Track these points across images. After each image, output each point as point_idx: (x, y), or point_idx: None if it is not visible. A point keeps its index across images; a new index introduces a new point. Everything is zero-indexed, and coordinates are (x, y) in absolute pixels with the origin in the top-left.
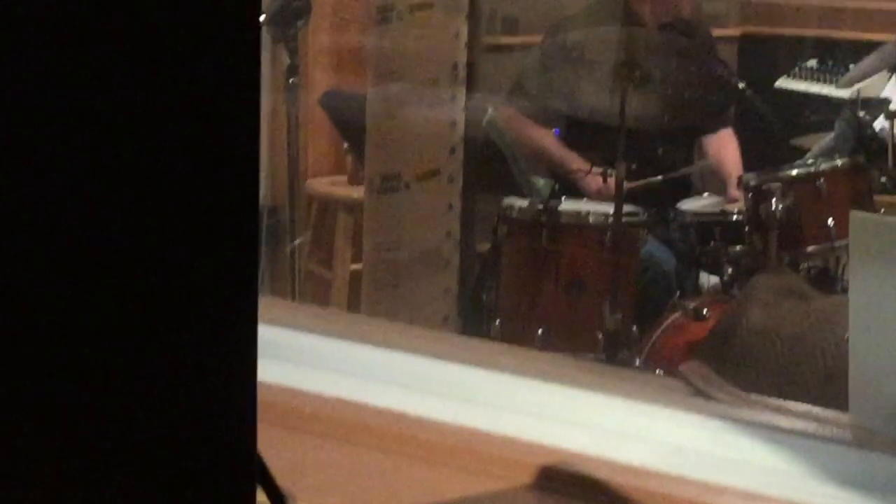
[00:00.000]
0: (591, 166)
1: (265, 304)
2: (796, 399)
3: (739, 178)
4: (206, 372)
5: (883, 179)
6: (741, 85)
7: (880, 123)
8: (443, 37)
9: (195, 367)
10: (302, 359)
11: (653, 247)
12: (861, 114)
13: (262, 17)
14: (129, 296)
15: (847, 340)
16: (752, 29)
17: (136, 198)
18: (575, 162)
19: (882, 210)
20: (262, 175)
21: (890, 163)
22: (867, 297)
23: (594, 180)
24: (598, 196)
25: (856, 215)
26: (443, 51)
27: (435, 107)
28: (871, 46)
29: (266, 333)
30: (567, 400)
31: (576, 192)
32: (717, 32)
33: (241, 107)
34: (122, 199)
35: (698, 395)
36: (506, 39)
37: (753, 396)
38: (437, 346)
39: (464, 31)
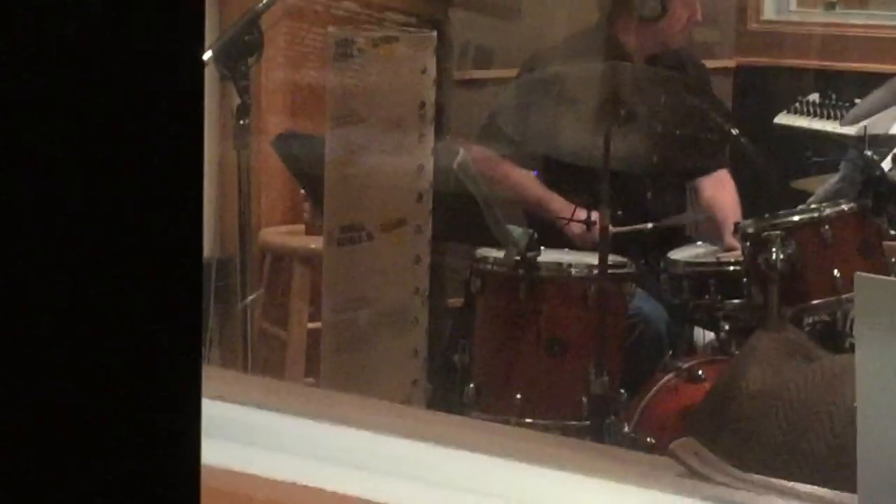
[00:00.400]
0: (575, 209)
1: (210, 375)
2: (801, 474)
3: (736, 225)
4: (141, 456)
5: (892, 229)
6: (734, 131)
7: (889, 163)
8: (409, 73)
9: (127, 451)
10: (252, 438)
11: (642, 301)
12: (868, 153)
13: (207, 54)
14: (42, 372)
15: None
16: (748, 60)
17: (51, 257)
18: (557, 204)
19: (894, 260)
20: (210, 225)
21: None
22: (875, 366)
23: (577, 226)
24: (582, 242)
25: (861, 277)
26: (409, 88)
27: (400, 150)
28: (879, 78)
29: (211, 409)
30: (548, 483)
31: (557, 241)
32: (710, 64)
33: (181, 153)
34: (36, 257)
35: (691, 477)
36: (479, 74)
37: (753, 477)
38: (405, 423)
39: (432, 65)
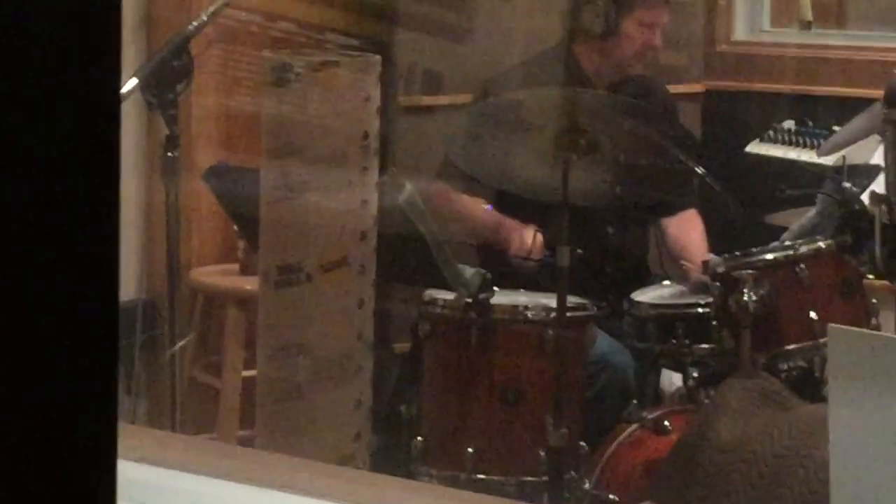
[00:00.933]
0: (535, 232)
1: (132, 434)
2: None
3: (705, 264)
4: None
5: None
6: (699, 170)
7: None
8: (351, 100)
9: None
10: None
11: (605, 346)
12: (847, 185)
13: (132, 81)
14: None
15: None
16: (718, 84)
17: None
18: (514, 229)
19: (875, 300)
20: (136, 265)
21: (878, 254)
22: (849, 419)
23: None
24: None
25: (834, 329)
26: (351, 117)
27: (342, 184)
28: (859, 104)
29: (132, 472)
30: None
31: (512, 282)
32: (676, 88)
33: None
34: None
35: None
36: (427, 100)
37: None
38: (343, 486)
39: (376, 92)
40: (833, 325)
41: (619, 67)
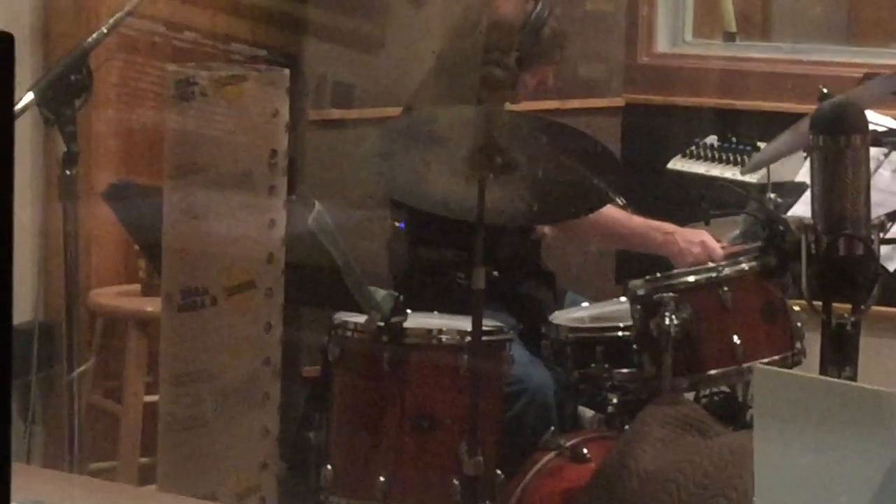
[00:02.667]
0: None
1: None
2: None
3: (625, 286)
4: None
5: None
6: (620, 201)
7: (797, 212)
8: (258, 116)
9: None
10: None
11: (526, 369)
12: (771, 205)
13: (28, 96)
14: None
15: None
16: (638, 97)
17: None
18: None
19: (799, 324)
20: (32, 286)
21: (804, 284)
22: (774, 460)
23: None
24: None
25: (760, 370)
26: (258, 134)
27: (248, 204)
28: (783, 119)
29: None
30: None
31: (426, 304)
32: (595, 102)
33: None
34: None
35: None
36: (338, 113)
37: None
38: None
39: (284, 108)
40: (759, 366)
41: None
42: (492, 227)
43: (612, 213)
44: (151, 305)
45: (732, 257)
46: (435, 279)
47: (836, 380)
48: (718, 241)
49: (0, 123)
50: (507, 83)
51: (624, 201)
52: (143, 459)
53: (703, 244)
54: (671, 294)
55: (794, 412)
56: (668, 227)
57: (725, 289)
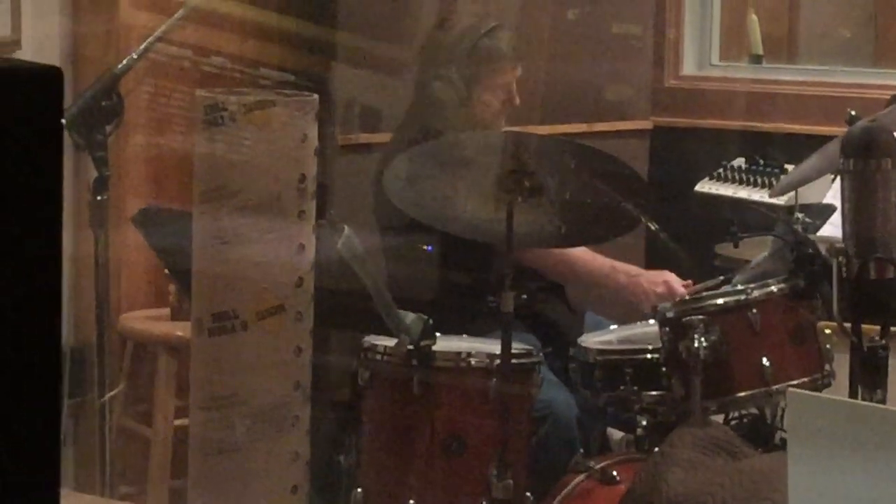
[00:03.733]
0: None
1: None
2: None
3: (654, 309)
4: None
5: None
6: (652, 226)
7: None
8: (287, 141)
9: None
10: None
11: (551, 393)
12: (799, 227)
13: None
14: None
15: None
16: (665, 120)
17: None
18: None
19: (828, 346)
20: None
21: (835, 307)
22: (808, 484)
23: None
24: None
25: (793, 394)
26: (287, 159)
27: (278, 228)
28: (811, 141)
29: None
30: None
31: (455, 327)
32: (623, 126)
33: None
34: None
35: None
36: (366, 137)
37: None
38: None
39: (313, 132)
40: (792, 389)
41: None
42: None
43: (578, 252)
44: (181, 329)
45: (694, 296)
46: (464, 302)
47: (868, 403)
48: (684, 282)
49: (51, 154)
50: (457, 98)
51: (655, 226)
52: (174, 483)
53: (666, 284)
54: (700, 316)
55: (828, 435)
56: (633, 269)
57: (754, 311)
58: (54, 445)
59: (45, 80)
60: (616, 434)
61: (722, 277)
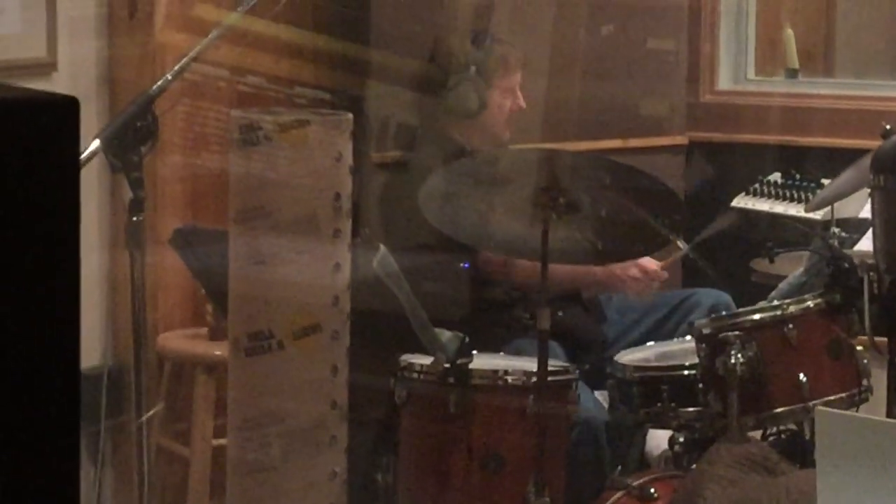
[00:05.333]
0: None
1: None
2: None
3: (691, 324)
4: None
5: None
6: (681, 245)
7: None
8: (322, 160)
9: None
10: None
11: (587, 410)
12: (835, 242)
13: (95, 143)
14: None
15: None
16: (701, 135)
17: None
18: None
19: (865, 361)
20: (101, 331)
21: (867, 323)
22: (837, 501)
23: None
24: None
25: (821, 412)
26: (322, 178)
27: (313, 247)
28: (848, 155)
29: None
30: None
31: (491, 344)
32: (658, 141)
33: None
34: None
35: None
36: (400, 155)
37: None
38: None
39: (348, 151)
40: (820, 408)
41: (493, 137)
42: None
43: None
44: (219, 349)
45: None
46: (500, 319)
47: None
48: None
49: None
50: (479, 101)
51: (685, 244)
52: (212, 502)
53: (637, 265)
54: (737, 332)
55: (857, 454)
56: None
57: (791, 326)
58: (73, 469)
59: (62, 110)
60: (655, 451)
61: (683, 247)
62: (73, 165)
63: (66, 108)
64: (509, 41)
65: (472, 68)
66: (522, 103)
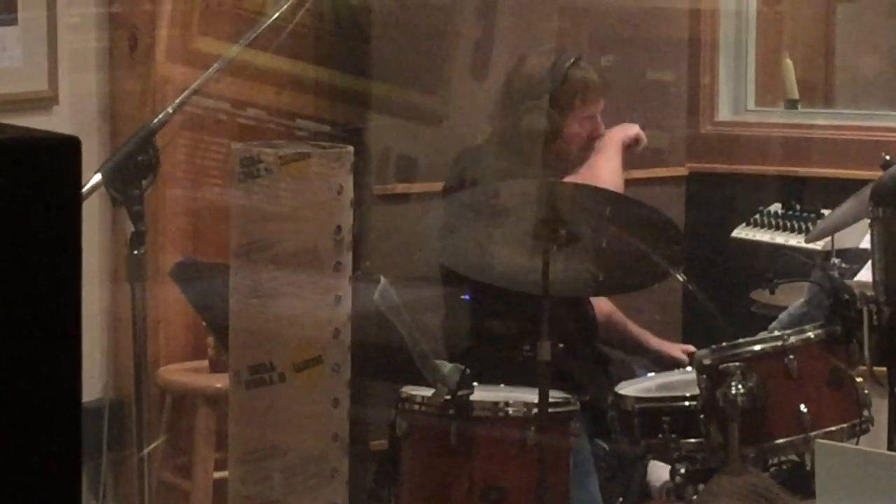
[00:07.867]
0: None
1: None
2: None
3: (692, 357)
4: None
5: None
6: (680, 277)
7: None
8: (323, 193)
9: None
10: None
11: (589, 441)
12: (835, 273)
13: (96, 177)
14: None
15: None
16: (701, 166)
17: None
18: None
19: (866, 391)
20: (102, 365)
21: (866, 355)
22: None
23: None
24: None
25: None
26: (323, 211)
27: (314, 280)
28: (848, 185)
29: None
30: None
31: (492, 377)
32: (658, 172)
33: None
34: None
35: None
36: (402, 187)
37: None
38: None
39: (348, 184)
40: (819, 441)
41: (569, 164)
42: (557, 299)
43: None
44: (220, 382)
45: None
46: (500, 351)
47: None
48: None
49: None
50: (550, 130)
51: (684, 277)
52: None
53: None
54: (737, 363)
55: (857, 486)
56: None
57: (791, 357)
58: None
59: (64, 150)
60: (656, 483)
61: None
62: (74, 204)
63: (68, 148)
64: (594, 66)
65: (546, 96)
66: (602, 129)
